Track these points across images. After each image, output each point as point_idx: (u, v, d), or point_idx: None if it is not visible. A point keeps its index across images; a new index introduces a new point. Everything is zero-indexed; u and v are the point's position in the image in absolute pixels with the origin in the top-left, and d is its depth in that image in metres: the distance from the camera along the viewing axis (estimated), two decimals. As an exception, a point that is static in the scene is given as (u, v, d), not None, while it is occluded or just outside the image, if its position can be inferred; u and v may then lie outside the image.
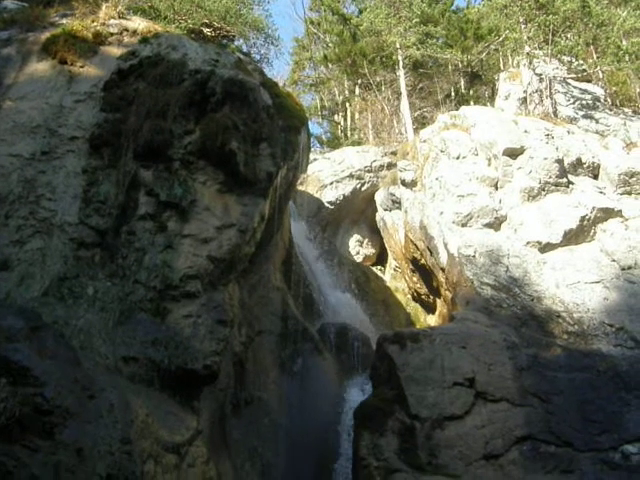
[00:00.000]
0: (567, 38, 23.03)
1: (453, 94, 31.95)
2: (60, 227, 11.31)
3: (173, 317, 11.29)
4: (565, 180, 17.44)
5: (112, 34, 14.73)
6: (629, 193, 17.40)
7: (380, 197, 23.40)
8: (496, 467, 11.44)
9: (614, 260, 15.29)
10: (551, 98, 21.56)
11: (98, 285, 10.97)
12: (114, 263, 11.38)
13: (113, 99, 13.28)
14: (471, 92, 31.90)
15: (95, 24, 14.79)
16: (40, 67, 13.73)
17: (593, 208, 16.49)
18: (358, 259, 24.87)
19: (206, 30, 15.59)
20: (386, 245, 23.79)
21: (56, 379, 7.29)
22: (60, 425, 6.89)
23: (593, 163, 18.26)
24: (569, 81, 23.22)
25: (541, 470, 11.33)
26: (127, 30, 14.93)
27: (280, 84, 19.13)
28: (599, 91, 22.95)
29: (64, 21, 14.93)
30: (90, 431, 7.14)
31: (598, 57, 23.01)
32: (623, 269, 15.04)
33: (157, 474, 7.85)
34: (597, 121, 21.00)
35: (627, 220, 16.48)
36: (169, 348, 10.81)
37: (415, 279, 20.76)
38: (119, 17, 15.27)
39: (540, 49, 23.24)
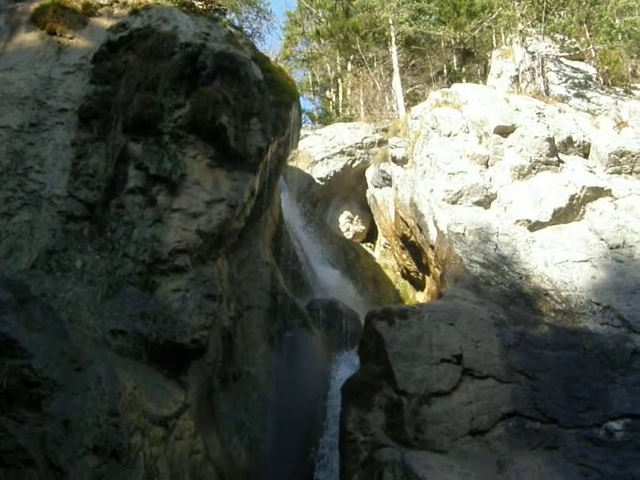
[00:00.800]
0: (560, 16, 22.93)
1: (445, 71, 31.85)
2: (49, 200, 11.26)
3: (162, 291, 11.29)
4: (555, 159, 17.45)
5: (102, 5, 14.55)
6: (619, 172, 17.45)
7: (371, 174, 23.37)
8: (482, 443, 11.52)
9: (602, 239, 15.34)
10: (543, 76, 21.50)
11: (86, 258, 10.95)
12: (103, 236, 11.36)
13: (103, 71, 13.16)
14: (463, 69, 31.80)
15: (85, -5, 14.62)
16: (29, 38, 13.59)
17: (583, 187, 16.52)
18: (348, 236, 24.90)
19: (197, 3, 15.42)
20: (376, 222, 23.81)
21: (44, 351, 7.29)
22: (47, 397, 6.90)
23: (584, 142, 18.28)
24: (561, 59, 23.15)
25: (526, 446, 11.42)
26: (117, 2, 14.73)
27: (272, 59, 19.03)
28: (591, 70, 22.91)
29: (53, -9, 14.75)
30: (77, 403, 7.16)
31: (591, 35, 22.97)
32: (611, 248, 15.10)
33: (144, 446, 7.88)
34: (589, 100, 20.98)
35: (616, 199, 16.53)
36: (157, 322, 10.83)
37: (405, 256, 20.80)
38: (109, -12, 15.09)
39: (533, 27, 23.12)
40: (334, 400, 13.66)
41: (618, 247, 15.10)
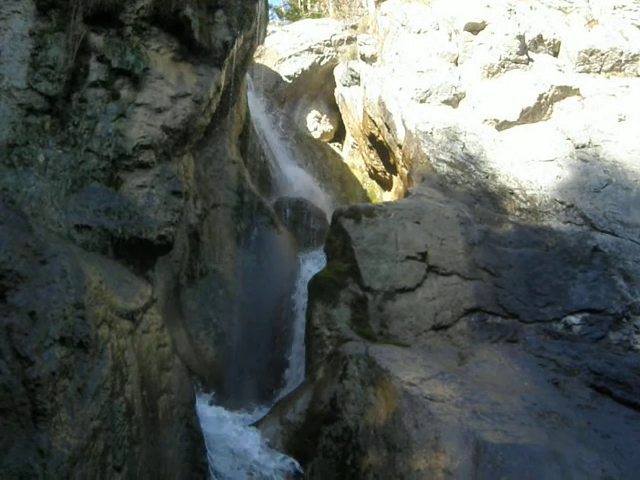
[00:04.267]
0: None
1: (417, -33, 31.04)
2: (7, 92, 10.88)
3: (127, 187, 11.14)
4: (525, 57, 17.27)
5: None
6: (588, 71, 17.33)
7: (339, 72, 23.03)
8: (444, 337, 11.82)
9: (569, 138, 15.37)
10: (516, -28, 21.04)
11: (49, 153, 10.71)
12: (65, 131, 11.06)
13: (60, -43, 12.58)
14: (435, -35, 31.00)
15: None
16: None
17: (551, 86, 16.40)
18: (316, 135, 24.72)
19: None
20: (344, 122, 23.62)
21: (6, 243, 7.19)
22: (11, 289, 6.84)
23: (554, 40, 18.05)
24: (535, -45, 22.66)
25: (487, 340, 11.74)
26: None
27: (237, -51, 18.29)
28: (564, -34, 22.49)
29: None
30: (42, 295, 7.12)
31: None
32: (577, 147, 15.15)
33: (111, 338, 7.92)
34: (561, -3, 20.65)
35: (584, 99, 16.47)
36: (123, 218, 10.72)
37: (372, 156, 20.75)
38: None
39: None
40: (300, 296, 13.85)
41: (584, 146, 15.16)
